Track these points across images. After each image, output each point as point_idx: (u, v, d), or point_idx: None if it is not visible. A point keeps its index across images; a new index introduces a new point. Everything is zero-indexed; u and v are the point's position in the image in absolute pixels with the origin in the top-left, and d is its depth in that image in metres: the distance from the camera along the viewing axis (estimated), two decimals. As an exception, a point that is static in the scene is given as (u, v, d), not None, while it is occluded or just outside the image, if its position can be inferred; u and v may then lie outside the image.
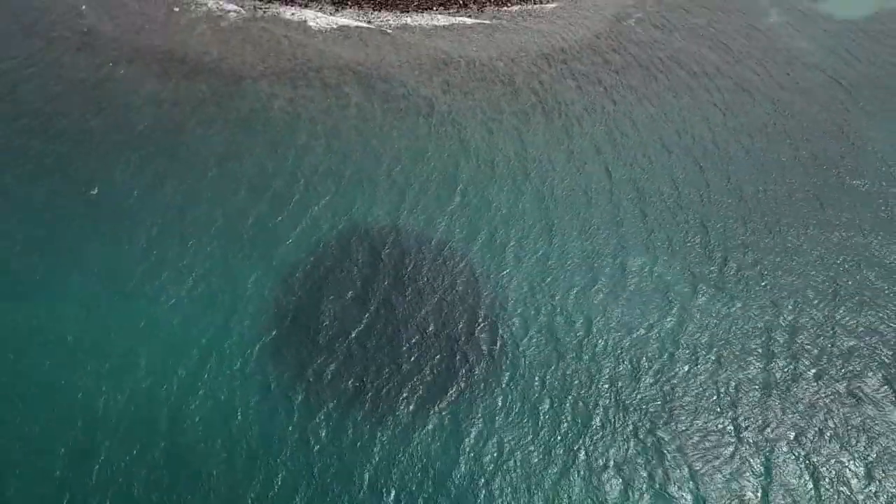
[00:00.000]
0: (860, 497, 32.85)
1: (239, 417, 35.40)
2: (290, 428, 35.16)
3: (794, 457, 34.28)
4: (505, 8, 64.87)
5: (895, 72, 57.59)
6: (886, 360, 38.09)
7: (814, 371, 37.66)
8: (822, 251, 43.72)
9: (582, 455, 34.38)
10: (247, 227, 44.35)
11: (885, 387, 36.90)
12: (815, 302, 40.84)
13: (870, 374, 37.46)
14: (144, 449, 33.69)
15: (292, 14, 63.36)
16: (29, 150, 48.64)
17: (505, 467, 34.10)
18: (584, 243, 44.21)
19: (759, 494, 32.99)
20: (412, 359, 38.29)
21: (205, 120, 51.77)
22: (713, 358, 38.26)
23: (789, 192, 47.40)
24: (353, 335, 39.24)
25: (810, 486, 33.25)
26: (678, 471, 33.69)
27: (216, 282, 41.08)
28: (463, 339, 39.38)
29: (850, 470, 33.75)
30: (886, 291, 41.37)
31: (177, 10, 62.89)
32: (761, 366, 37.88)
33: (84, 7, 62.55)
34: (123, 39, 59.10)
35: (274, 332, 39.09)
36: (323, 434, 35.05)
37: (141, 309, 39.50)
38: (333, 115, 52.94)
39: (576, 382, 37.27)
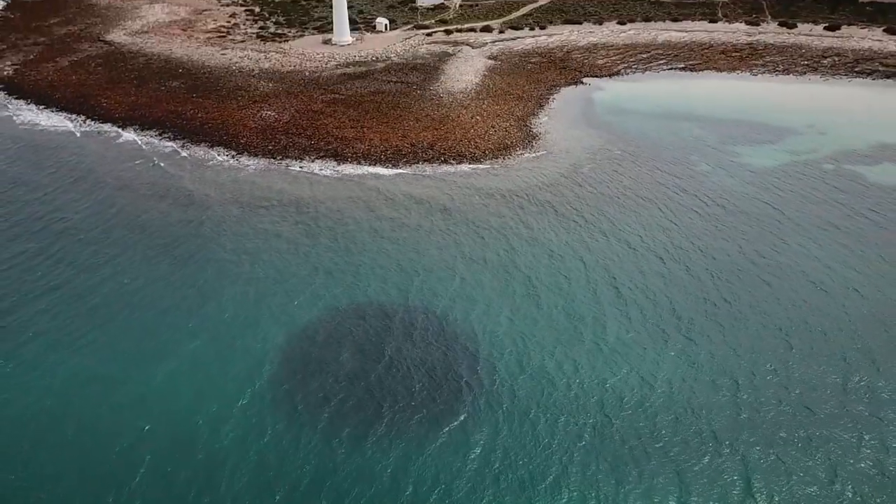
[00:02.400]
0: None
1: (267, 437, 40.24)
2: (313, 447, 39.70)
3: (757, 468, 39.68)
4: (479, 160, 77.06)
5: (810, 192, 69.41)
6: (834, 386, 44.52)
7: (770, 398, 43.80)
8: (772, 316, 51.13)
9: (570, 470, 38.66)
10: (276, 301, 51.39)
11: (838, 409, 43.15)
12: (770, 351, 47.80)
13: (823, 400, 43.63)
14: (181, 464, 38.31)
15: (301, 167, 74.53)
16: (117, 241, 59.75)
17: (503, 479, 38.15)
18: (568, 312, 51.18)
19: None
20: (423, 392, 43.67)
21: (238, 232, 61.14)
22: (685, 390, 44.26)
23: (737, 274, 55.70)
24: (371, 375, 44.89)
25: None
26: (654, 488, 37.77)
27: (251, 337, 47.58)
28: (465, 377, 44.63)
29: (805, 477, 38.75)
30: (823, 343, 48.52)
31: (211, 163, 75.89)
32: (726, 396, 43.80)
33: (156, 159, 76.79)
34: (183, 178, 72.22)
35: (300, 374, 44.75)
36: (341, 452, 39.52)
37: (187, 356, 46.13)
38: (349, 227, 62.14)
39: (564, 412, 42.50)
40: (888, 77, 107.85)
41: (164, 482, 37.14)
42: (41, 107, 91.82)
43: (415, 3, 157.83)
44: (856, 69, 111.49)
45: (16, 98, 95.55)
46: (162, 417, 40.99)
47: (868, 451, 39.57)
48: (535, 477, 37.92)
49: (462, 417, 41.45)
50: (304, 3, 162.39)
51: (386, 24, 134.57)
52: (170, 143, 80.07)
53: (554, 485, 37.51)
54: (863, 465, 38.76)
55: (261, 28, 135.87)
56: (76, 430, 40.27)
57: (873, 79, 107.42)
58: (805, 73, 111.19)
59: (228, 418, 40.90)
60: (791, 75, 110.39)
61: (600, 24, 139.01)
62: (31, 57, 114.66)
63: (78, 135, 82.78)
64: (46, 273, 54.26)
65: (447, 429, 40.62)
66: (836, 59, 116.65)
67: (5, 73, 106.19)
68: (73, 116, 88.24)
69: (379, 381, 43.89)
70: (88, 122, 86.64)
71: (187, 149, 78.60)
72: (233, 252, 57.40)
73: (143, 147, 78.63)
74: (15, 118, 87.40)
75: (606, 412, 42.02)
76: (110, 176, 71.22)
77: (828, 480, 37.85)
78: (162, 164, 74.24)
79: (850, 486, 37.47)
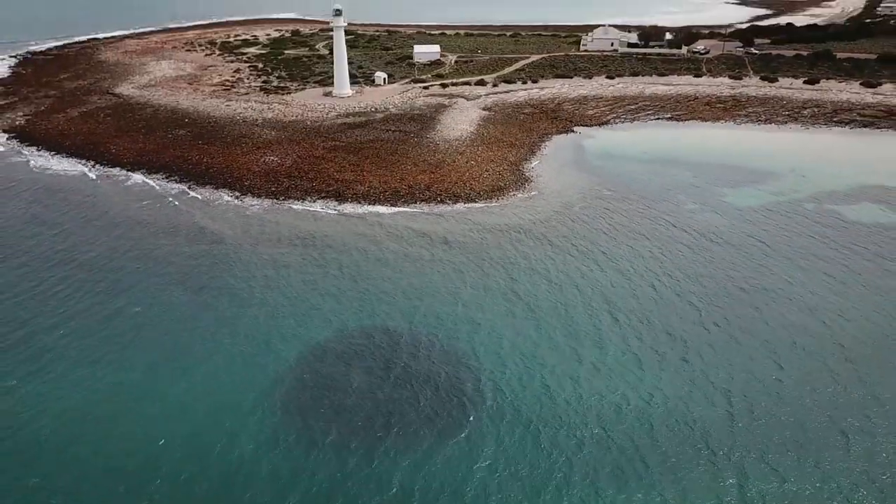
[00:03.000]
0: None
1: (280, 450, 41.86)
2: (323, 459, 41.23)
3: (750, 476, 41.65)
4: (474, 199, 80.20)
5: (793, 227, 72.60)
6: (823, 402, 46.69)
7: (762, 412, 45.76)
8: (761, 338, 53.31)
9: (571, 479, 40.24)
10: (288, 325, 53.74)
11: (827, 422, 45.21)
12: (760, 370, 49.97)
13: (813, 414, 45.63)
14: (196, 476, 40.00)
15: (303, 207, 77.49)
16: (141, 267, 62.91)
17: (506, 489, 39.73)
18: (567, 334, 53.36)
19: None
20: (429, 408, 45.40)
21: (249, 263, 63.86)
22: (680, 405, 46.11)
23: (726, 299, 58.07)
24: (379, 393, 46.70)
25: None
26: (652, 494, 39.49)
27: (263, 358, 49.83)
28: (469, 394, 46.54)
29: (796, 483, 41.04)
30: (811, 362, 50.71)
31: (217, 202, 79.26)
32: (720, 411, 45.66)
33: (167, 198, 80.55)
34: (193, 215, 75.70)
35: (311, 391, 46.64)
36: (351, 464, 41.05)
37: (202, 375, 48.43)
38: (354, 257, 64.93)
39: (564, 426, 44.30)
40: (865, 126, 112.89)
41: (179, 493, 38.47)
42: (52, 153, 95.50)
43: (412, 58, 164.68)
44: (834, 119, 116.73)
45: (28, 145, 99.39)
46: (177, 433, 42.55)
47: (857, 461, 41.25)
48: (537, 486, 39.33)
49: (466, 431, 43.08)
50: (305, 59, 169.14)
51: (384, 78, 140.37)
52: (177, 185, 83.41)
53: (556, 493, 38.86)
54: (853, 473, 40.38)
55: (264, 82, 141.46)
56: (94, 446, 41.70)
57: (851, 127, 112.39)
58: (786, 122, 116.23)
59: (242, 433, 42.47)
60: (773, 124, 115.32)
61: (590, 78, 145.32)
62: (43, 108, 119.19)
63: (92, 177, 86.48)
64: (65, 300, 56.52)
65: (452, 441, 42.21)
66: (816, 109, 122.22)
67: (17, 122, 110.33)
68: (84, 161, 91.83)
69: (387, 398, 45.73)
70: (98, 166, 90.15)
71: (194, 190, 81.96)
72: (244, 280, 59.97)
73: (156, 187, 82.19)
74: (30, 163, 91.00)
75: (605, 426, 43.68)
76: (122, 214, 74.27)
77: (819, 486, 39.30)
78: (175, 203, 77.82)
79: (840, 494, 38.91)
